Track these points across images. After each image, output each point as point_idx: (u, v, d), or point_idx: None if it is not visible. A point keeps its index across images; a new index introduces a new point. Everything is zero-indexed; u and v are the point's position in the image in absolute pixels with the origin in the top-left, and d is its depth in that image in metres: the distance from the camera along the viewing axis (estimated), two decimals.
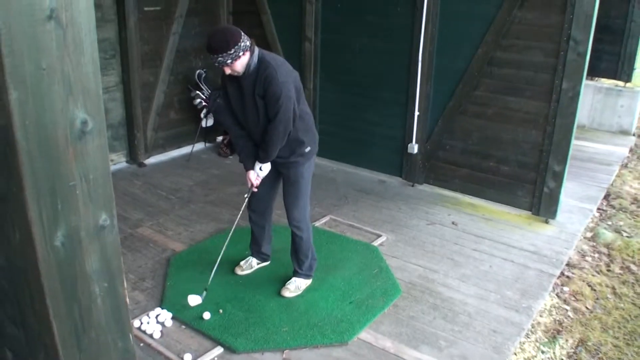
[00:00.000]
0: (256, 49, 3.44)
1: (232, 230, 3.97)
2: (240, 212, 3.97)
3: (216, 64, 3.36)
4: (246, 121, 3.62)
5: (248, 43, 3.37)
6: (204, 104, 6.49)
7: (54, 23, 1.27)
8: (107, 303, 1.54)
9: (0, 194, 1.36)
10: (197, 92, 6.51)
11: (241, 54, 3.32)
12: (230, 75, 3.46)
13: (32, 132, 1.29)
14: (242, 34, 3.37)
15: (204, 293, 3.78)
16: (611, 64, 8.77)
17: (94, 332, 1.52)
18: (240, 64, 3.36)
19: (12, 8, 1.21)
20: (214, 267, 3.88)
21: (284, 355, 3.40)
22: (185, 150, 6.94)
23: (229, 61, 3.31)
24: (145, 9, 6.17)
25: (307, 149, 3.71)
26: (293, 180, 3.78)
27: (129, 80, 6.19)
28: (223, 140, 6.97)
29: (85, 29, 1.31)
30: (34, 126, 1.29)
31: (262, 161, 3.67)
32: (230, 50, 3.26)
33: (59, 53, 1.29)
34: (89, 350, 1.54)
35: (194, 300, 3.72)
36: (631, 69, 8.69)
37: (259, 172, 3.73)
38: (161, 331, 3.57)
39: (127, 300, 1.58)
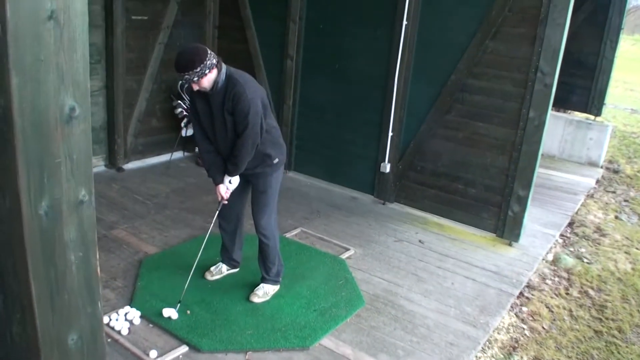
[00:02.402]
0: (223, 67, 3.56)
1: (205, 239, 4.08)
2: (212, 223, 4.09)
3: (184, 82, 3.49)
4: (215, 136, 3.74)
5: (215, 61, 3.48)
6: (184, 113, 6.62)
7: (53, 22, 1.47)
8: (81, 271, 1.70)
9: None
10: (179, 101, 6.64)
11: (207, 71, 3.43)
12: (198, 91, 3.58)
13: (28, 113, 1.48)
14: (209, 52, 3.49)
15: (178, 305, 3.86)
16: (582, 98, 9.10)
17: (67, 295, 1.68)
18: (207, 81, 3.48)
19: (19, 7, 1.40)
20: (187, 279, 3.97)
21: (247, 357, 3.50)
22: (164, 157, 7.05)
23: (195, 79, 3.42)
24: (133, 17, 6.32)
25: (275, 161, 3.86)
26: (261, 189, 3.92)
27: (113, 85, 6.32)
28: None
29: (79, 30, 1.51)
30: (29, 108, 1.48)
31: (231, 174, 3.79)
32: (197, 68, 3.38)
33: (55, 48, 1.49)
34: (62, 311, 1.68)
35: (168, 312, 3.80)
36: (601, 103, 9.02)
37: (229, 185, 3.86)
38: (129, 328, 3.66)
39: (99, 270, 1.73)
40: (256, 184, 3.94)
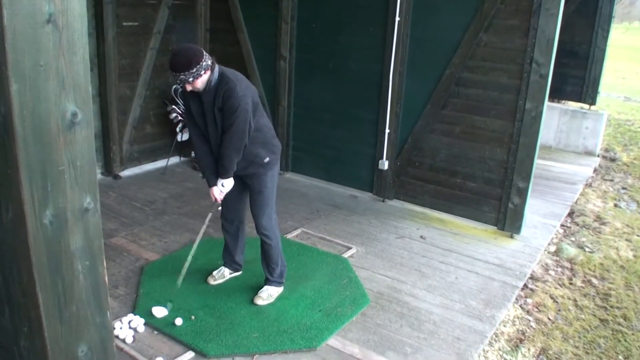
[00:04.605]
0: (216, 67, 3.55)
1: (198, 239, 4.03)
2: (205, 224, 4.02)
3: (178, 82, 3.47)
4: (208, 135, 3.72)
5: (210, 62, 3.47)
6: (179, 118, 6.59)
7: (51, 26, 1.44)
8: (88, 280, 1.67)
9: None
10: (173, 106, 6.61)
11: (202, 72, 3.43)
12: (191, 91, 3.57)
13: (29, 121, 1.44)
14: (204, 53, 3.47)
15: (169, 305, 3.85)
16: (576, 88, 9.14)
17: (74, 306, 1.65)
18: (201, 82, 3.47)
19: (16, 11, 1.37)
20: (179, 279, 3.95)
21: None
22: (160, 163, 7.01)
23: (190, 79, 3.41)
24: (124, 24, 6.28)
25: (266, 160, 3.82)
26: (257, 190, 3.90)
27: (106, 93, 6.27)
28: None
29: (78, 32, 1.48)
30: (30, 115, 1.44)
31: (223, 176, 3.75)
32: (193, 69, 3.37)
33: (54, 52, 1.45)
34: (70, 322, 1.65)
35: (159, 312, 3.81)
36: (595, 92, 9.05)
37: (222, 188, 3.81)
38: (133, 336, 3.63)
39: (106, 279, 1.70)
40: (251, 184, 3.92)
